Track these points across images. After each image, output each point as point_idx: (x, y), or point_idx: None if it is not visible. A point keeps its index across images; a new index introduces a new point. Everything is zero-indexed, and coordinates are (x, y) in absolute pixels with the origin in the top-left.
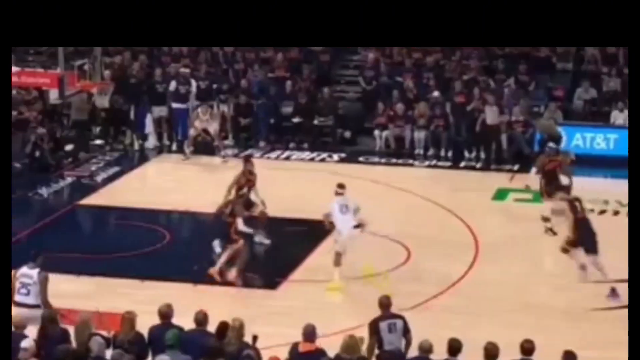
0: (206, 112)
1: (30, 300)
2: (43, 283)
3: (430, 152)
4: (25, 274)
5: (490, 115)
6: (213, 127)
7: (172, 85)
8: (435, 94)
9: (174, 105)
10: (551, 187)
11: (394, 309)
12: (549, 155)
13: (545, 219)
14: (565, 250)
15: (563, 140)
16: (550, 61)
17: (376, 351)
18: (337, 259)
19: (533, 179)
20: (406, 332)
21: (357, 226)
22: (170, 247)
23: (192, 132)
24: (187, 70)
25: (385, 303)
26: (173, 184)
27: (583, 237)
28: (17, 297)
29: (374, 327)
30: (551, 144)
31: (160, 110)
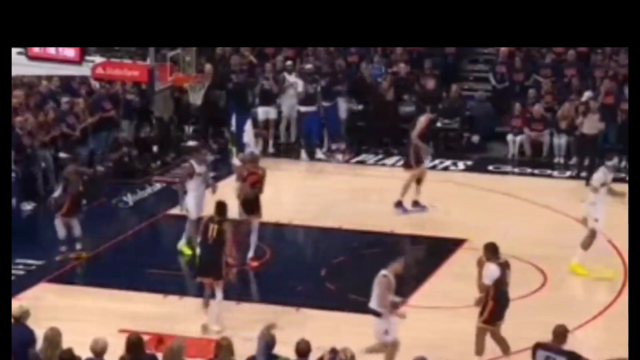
0: None
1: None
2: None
3: (573, 160)
4: None
5: None
6: None
7: (300, 85)
8: (588, 92)
9: (302, 109)
10: None
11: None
12: None
13: None
14: None
15: None
16: None
17: None
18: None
19: None
20: None
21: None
22: (270, 265)
23: None
24: (311, 67)
25: (558, 332)
26: (274, 193)
27: None
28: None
29: (534, 351)
30: None
31: (267, 112)
